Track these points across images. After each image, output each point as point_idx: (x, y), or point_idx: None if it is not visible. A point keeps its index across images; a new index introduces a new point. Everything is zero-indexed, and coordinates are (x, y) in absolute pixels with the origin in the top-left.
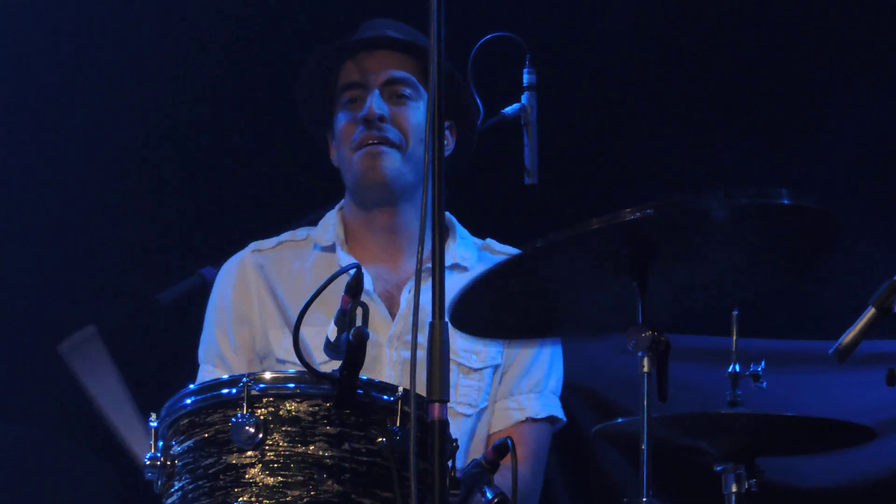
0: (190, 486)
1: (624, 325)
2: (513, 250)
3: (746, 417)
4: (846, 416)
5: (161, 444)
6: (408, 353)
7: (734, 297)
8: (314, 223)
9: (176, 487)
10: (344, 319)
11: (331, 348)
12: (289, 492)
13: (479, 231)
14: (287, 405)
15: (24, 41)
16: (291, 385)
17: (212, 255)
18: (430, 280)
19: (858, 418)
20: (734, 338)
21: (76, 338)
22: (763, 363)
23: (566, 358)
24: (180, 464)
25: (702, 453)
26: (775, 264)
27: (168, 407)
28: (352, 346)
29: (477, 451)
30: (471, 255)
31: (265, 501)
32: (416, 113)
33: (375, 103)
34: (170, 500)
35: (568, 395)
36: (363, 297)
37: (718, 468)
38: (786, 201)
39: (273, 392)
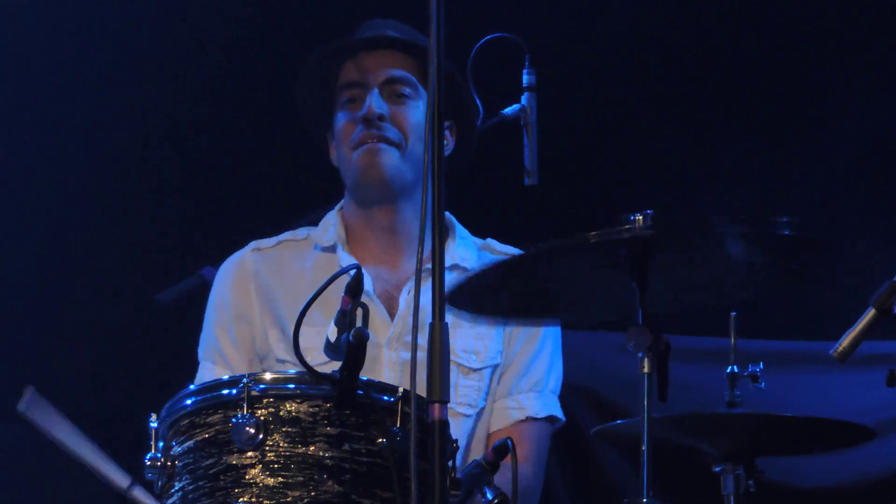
0: (190, 487)
1: (624, 313)
2: (513, 250)
3: (745, 418)
4: (846, 416)
5: (161, 444)
6: (407, 354)
7: (734, 297)
8: (314, 223)
9: (176, 488)
10: (344, 320)
11: (331, 349)
12: (289, 492)
13: (479, 232)
14: (287, 406)
15: (24, 41)
16: (292, 386)
17: (212, 255)
18: (429, 280)
19: (858, 419)
20: (732, 339)
21: (25, 400)
22: (761, 364)
23: (566, 358)
24: (180, 464)
25: (701, 454)
26: (775, 265)
27: (168, 407)
28: (352, 346)
29: (477, 451)
30: (470, 256)
31: (265, 502)
32: (416, 112)
33: (375, 103)
34: (170, 501)
35: (568, 395)
36: (363, 298)
37: (717, 469)
38: (787, 232)
39: (273, 393)
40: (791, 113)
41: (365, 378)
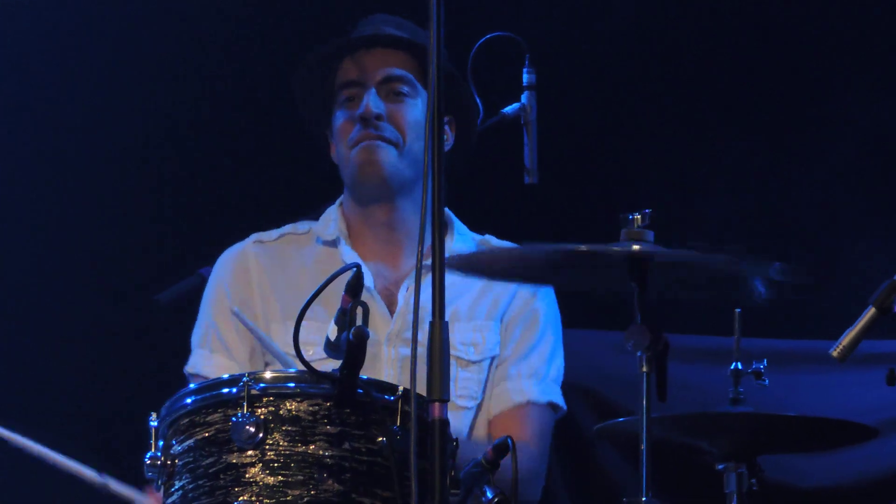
0: (190, 486)
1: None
2: (512, 246)
3: (747, 416)
4: (847, 415)
5: (161, 443)
6: (406, 351)
7: (734, 297)
8: (315, 220)
9: (176, 487)
10: (344, 319)
11: (331, 348)
12: (289, 491)
13: (479, 230)
14: (287, 404)
15: (24, 41)
16: (292, 384)
17: (211, 255)
18: (428, 277)
19: (859, 418)
20: (737, 336)
21: None
22: (765, 361)
23: (566, 358)
24: (180, 463)
25: (702, 452)
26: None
27: (168, 406)
28: (352, 345)
29: (477, 444)
30: (469, 252)
31: (265, 501)
32: (414, 110)
33: (372, 102)
34: (170, 500)
35: (568, 395)
36: (363, 295)
37: (719, 467)
38: (780, 278)
39: (273, 391)
40: (791, 113)
41: (365, 377)
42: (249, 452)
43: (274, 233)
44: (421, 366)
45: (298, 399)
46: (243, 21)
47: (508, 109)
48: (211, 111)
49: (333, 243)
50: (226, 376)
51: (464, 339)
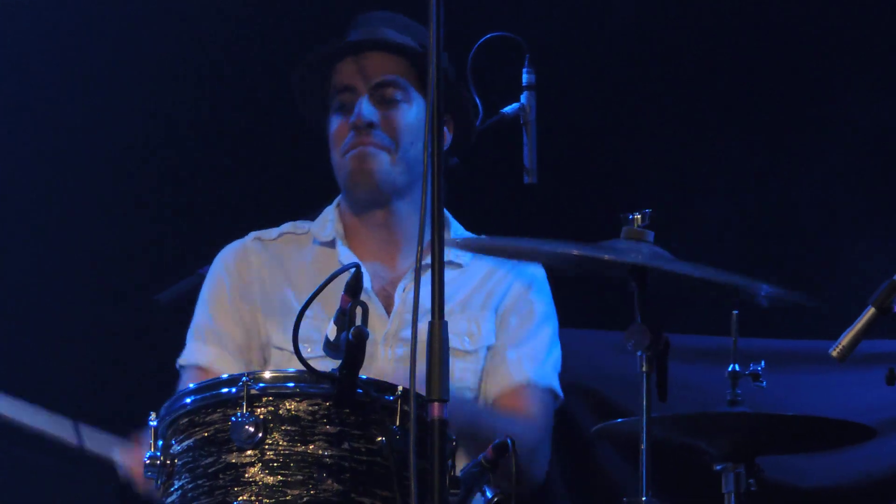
0: (189, 486)
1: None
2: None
3: (746, 417)
4: (846, 415)
5: (161, 443)
6: (402, 351)
7: (734, 297)
8: (314, 220)
9: (175, 486)
10: (343, 319)
11: (330, 348)
12: (288, 491)
13: (479, 230)
14: (287, 404)
15: (25, 41)
16: (291, 384)
17: (211, 255)
18: (424, 276)
19: (859, 418)
20: (734, 337)
21: None
22: (763, 363)
23: (566, 357)
24: (180, 463)
25: (701, 452)
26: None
27: (168, 406)
28: (351, 345)
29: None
30: (465, 252)
31: (265, 500)
32: (407, 115)
33: (364, 109)
34: (169, 500)
35: (568, 395)
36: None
37: (718, 467)
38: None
39: (273, 391)
40: (791, 113)
41: (364, 377)
42: (249, 452)
43: (273, 231)
44: (417, 363)
45: (298, 399)
46: (243, 21)
47: (508, 109)
48: (211, 111)
49: (330, 244)
50: (225, 376)
51: (458, 329)
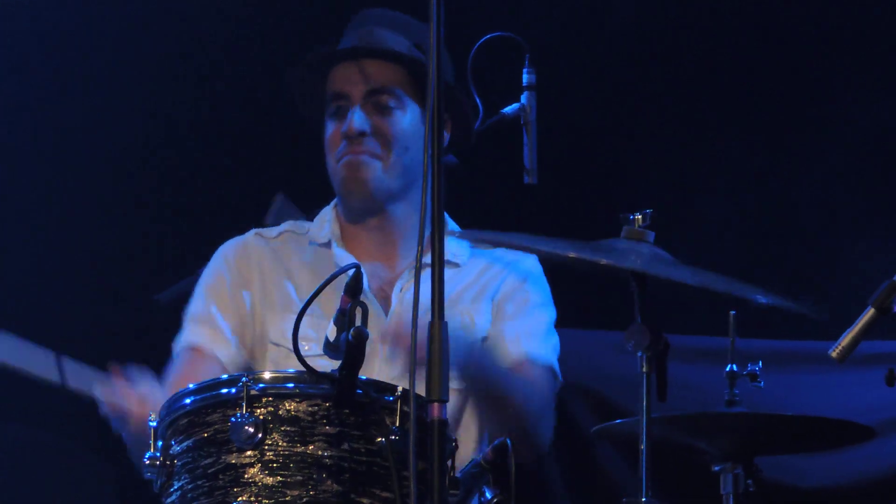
0: (189, 486)
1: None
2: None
3: (744, 417)
4: (846, 416)
5: (160, 443)
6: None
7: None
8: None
9: (175, 487)
10: (343, 319)
11: (330, 348)
12: (288, 491)
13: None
14: (286, 405)
15: (25, 41)
16: (291, 385)
17: (211, 256)
18: (421, 275)
19: (858, 418)
20: (731, 338)
21: None
22: (760, 363)
23: (566, 357)
24: (179, 463)
25: (700, 453)
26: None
27: (167, 406)
28: (351, 346)
29: (470, 425)
30: (462, 252)
31: (264, 501)
32: (401, 121)
33: (357, 119)
34: (169, 500)
35: (568, 395)
36: None
37: (716, 468)
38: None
39: (272, 392)
40: (791, 113)
41: (364, 377)
42: (248, 453)
43: (274, 230)
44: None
45: (297, 399)
46: (243, 21)
47: (508, 109)
48: (211, 111)
49: (326, 245)
50: (224, 377)
51: (453, 324)
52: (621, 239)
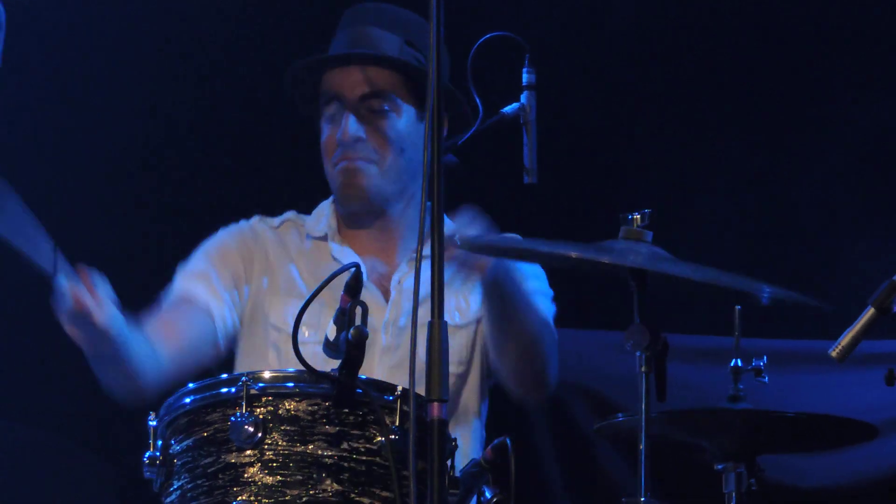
0: (189, 486)
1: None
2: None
3: (747, 414)
4: (846, 415)
5: (160, 443)
6: (400, 341)
7: (734, 296)
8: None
9: (175, 486)
10: (343, 319)
11: (330, 347)
12: (288, 491)
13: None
14: (286, 404)
15: (25, 41)
16: (290, 384)
17: None
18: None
19: (859, 418)
20: (737, 332)
21: None
22: (765, 358)
23: (566, 357)
24: (179, 463)
25: (702, 452)
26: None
27: (167, 406)
28: (351, 345)
29: (467, 410)
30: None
31: (264, 500)
32: (395, 125)
33: (350, 125)
34: (168, 500)
35: (568, 394)
36: None
37: (718, 467)
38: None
39: (272, 391)
40: (791, 113)
41: (364, 377)
42: (248, 452)
43: (276, 219)
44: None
45: (297, 399)
46: (243, 21)
47: (508, 109)
48: (211, 111)
49: (323, 239)
50: (224, 376)
51: (447, 306)
52: (619, 240)
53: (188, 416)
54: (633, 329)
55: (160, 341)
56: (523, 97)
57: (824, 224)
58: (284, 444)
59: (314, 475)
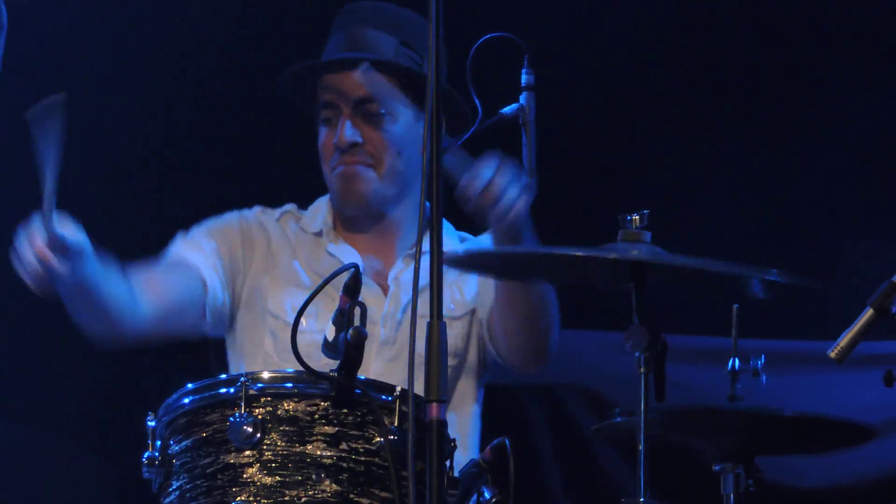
0: (188, 486)
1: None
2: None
3: (745, 414)
4: (845, 416)
5: (159, 443)
6: (398, 334)
7: (731, 296)
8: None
9: (174, 487)
10: (342, 319)
11: (329, 348)
12: (286, 491)
13: (475, 231)
14: (285, 405)
15: (25, 41)
16: (289, 384)
17: None
18: (413, 264)
19: (857, 419)
20: (734, 332)
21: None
22: (763, 358)
23: (565, 357)
24: (178, 463)
25: (700, 452)
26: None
27: (166, 406)
28: (350, 346)
29: (464, 400)
30: (452, 244)
31: (263, 501)
32: (393, 129)
33: (347, 130)
34: (168, 500)
35: (567, 394)
36: None
37: (717, 468)
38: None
39: (271, 392)
40: (791, 113)
41: (363, 377)
42: (247, 452)
43: (277, 210)
44: (407, 358)
45: (296, 399)
46: (243, 21)
47: (507, 110)
48: (211, 111)
49: (318, 235)
50: (223, 376)
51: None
52: (618, 243)
53: (187, 416)
54: (633, 329)
55: (144, 292)
56: (522, 98)
57: (824, 224)
58: (283, 444)
59: (313, 475)
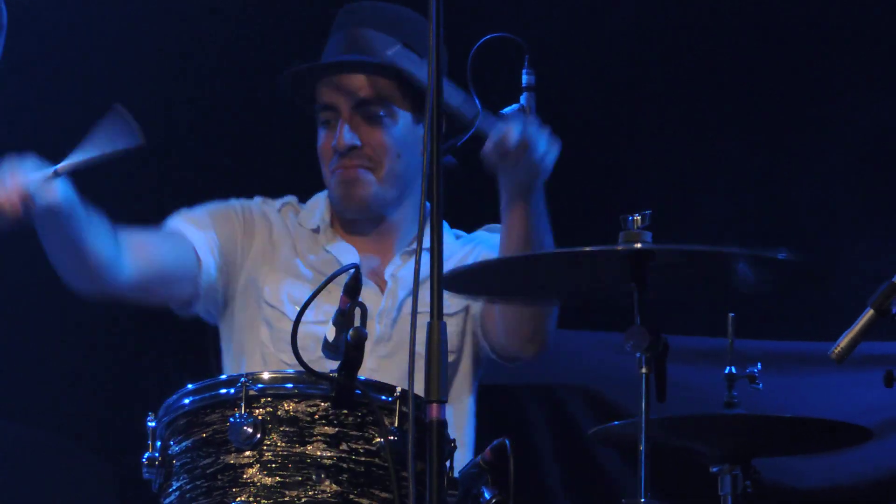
0: (188, 486)
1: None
2: (481, 233)
3: (742, 419)
4: (844, 417)
5: (159, 443)
6: (394, 331)
7: (734, 296)
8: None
9: (174, 487)
10: (342, 320)
11: (329, 349)
12: (286, 492)
13: (471, 229)
14: (285, 405)
15: (25, 41)
16: (289, 385)
17: None
18: (411, 261)
19: (856, 419)
20: (730, 339)
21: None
22: (759, 364)
23: (565, 357)
24: (178, 464)
25: (698, 454)
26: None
27: (166, 406)
28: (350, 346)
29: (459, 397)
30: (449, 242)
31: (263, 501)
32: (392, 131)
33: (346, 134)
34: (167, 500)
35: (567, 395)
36: None
37: (714, 469)
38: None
39: (271, 392)
40: (791, 113)
41: (363, 377)
42: (247, 453)
43: (277, 202)
44: (402, 355)
45: (296, 400)
46: (242, 21)
47: (507, 110)
48: (211, 111)
49: (315, 231)
50: (223, 377)
51: None
52: (619, 243)
53: (187, 416)
54: (633, 330)
55: (132, 251)
56: (523, 98)
57: (824, 224)
58: (283, 444)
59: (313, 476)
